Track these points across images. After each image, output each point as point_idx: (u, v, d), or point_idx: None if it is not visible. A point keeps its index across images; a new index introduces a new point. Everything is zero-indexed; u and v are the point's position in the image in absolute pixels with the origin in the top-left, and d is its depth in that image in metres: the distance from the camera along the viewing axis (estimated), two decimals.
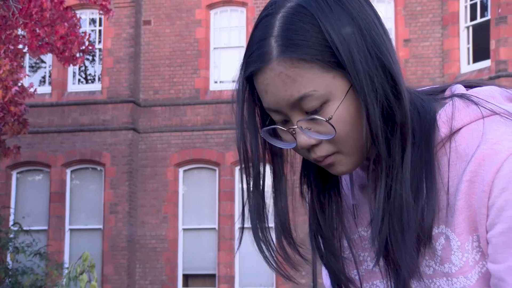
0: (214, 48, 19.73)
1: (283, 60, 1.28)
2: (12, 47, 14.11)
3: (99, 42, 19.75)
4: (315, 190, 1.50)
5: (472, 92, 1.38)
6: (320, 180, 1.49)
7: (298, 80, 1.28)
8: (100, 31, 19.85)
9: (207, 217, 19.15)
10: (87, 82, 20.11)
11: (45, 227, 18.95)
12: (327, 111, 1.30)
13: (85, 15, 19.54)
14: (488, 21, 17.59)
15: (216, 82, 19.67)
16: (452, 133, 1.35)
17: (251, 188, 1.45)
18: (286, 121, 1.35)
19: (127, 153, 18.95)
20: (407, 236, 1.31)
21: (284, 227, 1.46)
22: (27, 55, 17.44)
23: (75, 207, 19.27)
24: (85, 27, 19.37)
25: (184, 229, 19.25)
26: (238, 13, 19.74)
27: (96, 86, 19.73)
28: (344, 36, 1.28)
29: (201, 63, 19.50)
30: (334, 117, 1.29)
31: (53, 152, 19.22)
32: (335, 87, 1.29)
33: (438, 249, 1.35)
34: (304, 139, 1.33)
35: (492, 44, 17.27)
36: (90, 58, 19.85)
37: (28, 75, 16.97)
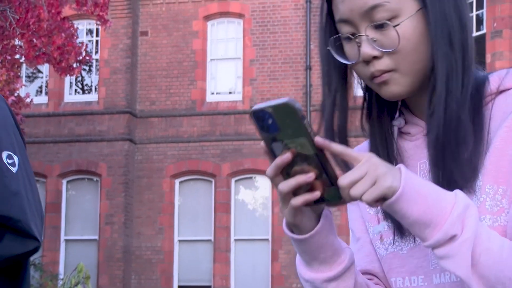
0: (211, 60, 19.75)
1: None
2: (9, 57, 14.11)
3: (96, 52, 19.75)
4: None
5: None
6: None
7: None
8: (97, 41, 19.85)
9: (203, 228, 19.11)
10: (83, 93, 20.10)
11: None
12: (391, 26, 1.40)
13: (82, 26, 19.54)
14: (484, 35, 17.64)
15: (212, 93, 19.68)
16: (500, 91, 1.44)
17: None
18: (354, 36, 1.44)
19: (123, 164, 18.93)
20: (462, 149, 1.39)
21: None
22: (24, 65, 17.44)
23: (71, 218, 19.23)
24: (82, 38, 19.36)
25: (180, 241, 19.20)
26: (235, 25, 19.77)
27: (92, 97, 19.72)
28: None
29: (198, 74, 19.51)
30: (399, 31, 1.39)
31: (49, 162, 19.19)
32: (407, 5, 1.40)
33: None
34: (369, 48, 1.41)
35: (488, 58, 17.31)
36: (87, 68, 19.85)
37: (25, 85, 16.98)
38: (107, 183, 18.90)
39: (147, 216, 19.09)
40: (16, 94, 14.50)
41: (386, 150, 1.52)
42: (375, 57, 1.42)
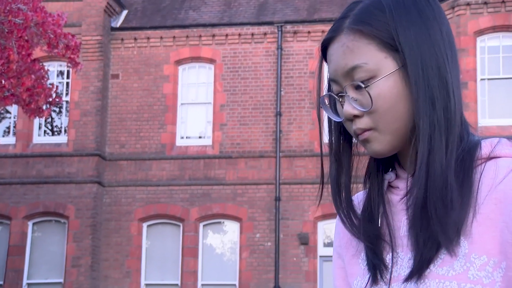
0: (182, 104, 19.79)
1: (348, 32, 1.48)
2: None
3: (67, 94, 19.72)
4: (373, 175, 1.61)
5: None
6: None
7: (355, 52, 1.46)
8: (67, 83, 19.83)
9: (170, 272, 18.97)
10: (53, 134, 20.01)
11: (0, 282, 18.62)
12: (372, 86, 1.44)
13: (53, 67, 19.53)
14: None
15: (182, 137, 19.68)
16: (491, 158, 1.45)
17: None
18: (342, 95, 1.51)
19: (91, 206, 18.80)
20: (447, 211, 1.39)
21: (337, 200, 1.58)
22: None
23: (36, 261, 18.99)
24: (53, 79, 19.35)
25: (147, 284, 19.04)
26: (206, 70, 19.87)
27: (62, 138, 19.63)
28: (406, 28, 1.46)
29: (168, 118, 19.53)
30: (376, 91, 1.44)
31: (15, 204, 19.00)
32: (384, 66, 1.45)
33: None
34: (349, 107, 1.47)
35: None
36: (57, 110, 19.79)
37: None
38: (75, 225, 18.74)
39: (114, 259, 18.92)
40: None
41: (380, 203, 1.56)
42: (356, 116, 1.47)
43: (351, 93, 1.47)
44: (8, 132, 19.88)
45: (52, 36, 14.12)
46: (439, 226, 1.40)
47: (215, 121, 19.40)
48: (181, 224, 19.09)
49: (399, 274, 1.46)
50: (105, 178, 19.33)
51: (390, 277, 1.48)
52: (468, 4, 17.56)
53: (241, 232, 18.84)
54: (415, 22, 1.47)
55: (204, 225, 19.14)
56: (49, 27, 14.07)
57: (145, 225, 19.22)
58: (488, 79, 17.55)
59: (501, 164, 1.43)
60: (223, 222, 19.16)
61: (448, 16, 17.86)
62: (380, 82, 1.44)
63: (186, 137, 19.69)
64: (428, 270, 1.40)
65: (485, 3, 17.50)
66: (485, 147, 1.46)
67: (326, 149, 1.60)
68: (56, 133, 20.03)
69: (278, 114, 19.09)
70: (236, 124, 19.24)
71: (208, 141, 19.50)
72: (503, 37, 17.70)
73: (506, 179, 1.40)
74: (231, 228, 19.10)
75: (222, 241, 19.18)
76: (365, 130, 1.47)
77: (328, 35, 1.52)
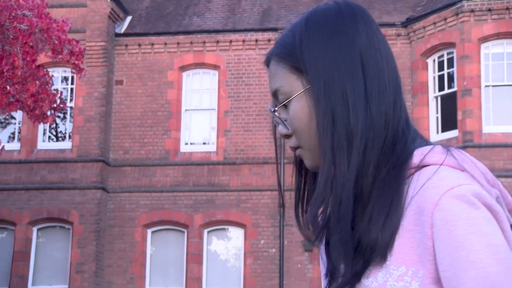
0: (186, 110, 19.80)
1: (272, 57, 1.59)
2: None
3: (71, 100, 19.74)
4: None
5: (458, 150, 1.51)
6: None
7: (275, 76, 1.56)
8: (72, 89, 19.86)
9: (174, 279, 18.95)
10: (57, 140, 20.03)
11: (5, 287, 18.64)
12: (289, 107, 1.54)
13: (57, 73, 19.57)
14: (455, 92, 17.89)
15: (186, 143, 19.68)
16: (422, 166, 1.46)
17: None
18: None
19: (95, 212, 18.80)
20: (343, 227, 1.46)
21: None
22: None
23: (40, 266, 19.00)
24: (57, 85, 19.38)
25: None
26: (210, 76, 19.88)
27: (66, 144, 19.65)
28: (312, 48, 1.52)
29: (172, 124, 19.53)
30: (291, 112, 1.53)
31: (19, 209, 19.01)
32: (295, 87, 1.53)
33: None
34: (280, 128, 1.57)
35: (459, 115, 17.53)
36: (61, 115, 19.81)
37: None
38: (79, 231, 18.74)
39: (118, 265, 18.91)
40: None
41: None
42: (288, 135, 1.56)
43: (282, 113, 1.56)
44: (13, 138, 19.91)
45: (56, 42, 14.14)
46: (345, 242, 1.46)
47: (219, 127, 19.40)
48: (185, 231, 19.08)
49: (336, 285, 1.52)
50: (109, 184, 19.34)
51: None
52: (472, 11, 17.55)
53: (245, 239, 18.82)
54: (322, 42, 1.52)
55: (208, 232, 19.12)
56: (53, 33, 14.10)
57: (149, 231, 19.21)
58: (493, 86, 17.52)
59: (424, 173, 1.45)
60: (227, 229, 19.15)
61: (452, 23, 17.87)
62: (292, 103, 1.52)
63: (190, 143, 19.69)
64: (359, 283, 1.45)
65: (489, 10, 17.49)
66: (416, 156, 1.48)
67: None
68: (60, 139, 20.05)
69: None
70: (240, 130, 19.24)
71: (212, 147, 19.50)
72: (507, 44, 17.68)
73: (422, 189, 1.42)
74: (235, 235, 19.09)
75: (227, 247, 19.17)
76: (295, 148, 1.56)
77: (264, 61, 1.63)
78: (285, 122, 1.55)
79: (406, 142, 1.51)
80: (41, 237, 19.29)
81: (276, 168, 1.75)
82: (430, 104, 18.46)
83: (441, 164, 1.45)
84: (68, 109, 19.61)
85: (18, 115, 19.32)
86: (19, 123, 19.79)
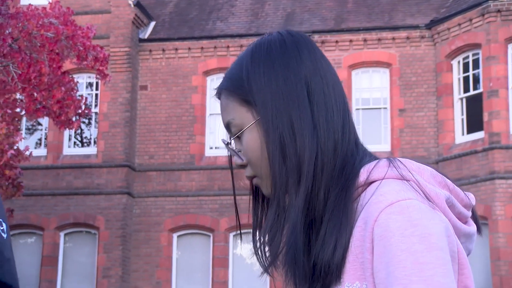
0: (210, 114, 19.85)
1: (222, 91, 1.62)
2: (9, 111, 14.19)
3: (96, 106, 19.86)
4: None
5: (403, 160, 1.54)
6: None
7: (226, 109, 1.60)
8: (96, 94, 19.98)
9: (201, 283, 18.99)
10: (82, 146, 20.16)
11: None
12: (242, 138, 1.58)
13: (82, 79, 19.70)
14: (480, 94, 17.79)
15: (211, 148, 19.72)
16: (368, 183, 1.50)
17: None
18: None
19: (121, 217, 18.88)
20: (297, 252, 1.51)
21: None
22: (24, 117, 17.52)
23: (68, 271, 19.11)
24: (82, 91, 19.50)
25: None
26: None
27: (91, 150, 19.77)
28: (258, 81, 1.56)
29: (197, 129, 19.59)
30: (244, 143, 1.57)
31: (46, 215, 19.15)
32: (246, 119, 1.56)
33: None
34: (235, 158, 1.60)
35: (485, 116, 17.43)
36: (86, 121, 19.93)
37: (24, 138, 17.03)
38: (105, 236, 18.83)
39: (144, 270, 18.98)
40: (15, 147, 14.54)
41: None
42: (243, 165, 1.60)
43: (236, 144, 1.60)
44: (40, 144, 20.06)
45: (81, 48, 14.26)
46: (299, 268, 1.51)
47: None
48: (211, 235, 19.12)
49: None
50: (135, 189, 19.42)
51: None
52: (498, 11, 17.45)
53: None
54: (267, 74, 1.56)
55: (234, 235, 19.15)
56: (78, 40, 14.23)
57: (175, 235, 19.27)
58: None
59: (369, 190, 1.49)
60: None
61: (477, 24, 17.76)
62: (245, 134, 1.56)
63: (215, 148, 19.73)
64: None
65: None
66: (362, 175, 1.51)
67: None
68: (85, 144, 20.18)
69: None
70: None
71: None
72: None
73: (366, 205, 1.46)
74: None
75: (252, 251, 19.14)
76: (251, 177, 1.60)
77: (215, 94, 1.66)
78: (239, 153, 1.59)
79: (354, 163, 1.54)
80: (68, 242, 19.41)
81: (234, 199, 1.80)
82: (455, 106, 18.38)
83: (383, 178, 1.48)
84: (93, 114, 19.73)
85: (45, 121, 19.46)
86: (45, 129, 19.94)
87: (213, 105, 19.89)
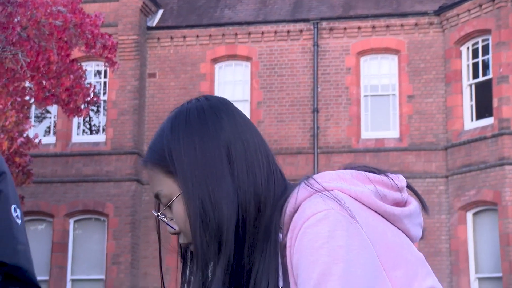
0: None
1: (147, 163, 1.61)
2: (19, 99, 14.24)
3: (104, 93, 19.89)
4: None
5: (320, 174, 1.57)
6: None
7: (153, 179, 1.60)
8: (105, 82, 20.01)
9: None
10: (91, 133, 20.21)
11: (46, 277, 18.85)
12: (172, 208, 1.57)
13: (90, 67, 19.73)
14: (490, 80, 17.74)
15: None
16: (295, 211, 1.51)
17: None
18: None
19: (130, 204, 18.95)
20: None
21: None
22: (33, 105, 17.57)
23: (78, 257, 19.21)
24: (91, 79, 19.53)
25: None
26: (242, 68, 19.92)
27: (100, 137, 19.82)
28: (177, 152, 1.56)
29: None
30: (174, 213, 1.57)
31: (56, 202, 19.24)
32: (174, 190, 1.56)
33: None
34: (168, 227, 1.61)
35: (495, 102, 17.38)
36: (95, 109, 19.97)
37: (34, 126, 17.08)
38: (114, 223, 18.91)
39: (154, 257, 19.05)
40: (25, 135, 14.60)
41: None
42: (177, 232, 1.60)
43: (168, 213, 1.60)
44: (49, 131, 20.13)
45: (89, 36, 14.29)
46: None
47: (252, 119, 19.43)
48: None
49: None
50: (144, 176, 19.46)
51: None
52: None
53: None
54: (186, 145, 1.56)
55: None
56: (87, 28, 14.25)
57: None
58: None
59: (296, 215, 1.52)
60: None
61: (487, 9, 17.67)
62: (174, 204, 1.56)
63: None
64: None
65: None
66: (286, 210, 1.53)
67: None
68: (94, 132, 20.23)
69: (315, 110, 19.09)
70: (273, 121, 19.27)
71: None
72: None
73: (290, 225, 1.51)
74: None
75: None
76: (186, 244, 1.59)
77: (142, 164, 1.64)
78: (170, 222, 1.59)
79: (275, 208, 1.55)
80: (78, 229, 19.50)
81: (160, 264, 1.85)
82: (464, 92, 18.33)
83: (304, 199, 1.51)
84: (102, 102, 19.76)
85: (54, 109, 19.50)
86: (54, 117, 20.00)
87: (221, 93, 19.89)
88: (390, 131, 18.92)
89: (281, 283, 1.53)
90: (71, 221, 19.38)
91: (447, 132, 18.43)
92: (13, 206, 2.34)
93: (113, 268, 18.65)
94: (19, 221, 2.36)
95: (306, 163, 18.94)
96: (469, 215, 17.75)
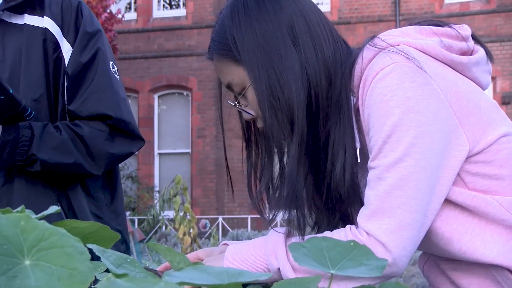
0: None
1: (213, 55, 1.63)
2: None
3: None
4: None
5: (384, 33, 1.59)
6: None
7: (223, 71, 1.63)
8: None
9: None
10: (171, 8, 20.18)
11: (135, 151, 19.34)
12: (246, 95, 1.61)
13: None
14: None
15: None
16: (363, 74, 1.55)
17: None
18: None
19: (213, 78, 19.04)
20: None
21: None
22: None
23: (163, 132, 19.59)
24: None
25: None
26: None
27: (180, 12, 19.78)
28: (240, 38, 1.57)
29: None
30: (249, 100, 1.61)
31: (140, 78, 19.49)
32: (245, 77, 1.59)
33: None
34: (244, 114, 1.67)
35: None
36: None
37: (115, 2, 17.12)
38: (198, 97, 19.09)
39: (238, 129, 19.24)
40: (108, 11, 14.69)
41: None
42: (254, 119, 1.67)
43: (243, 101, 1.65)
44: (130, 8, 20.18)
45: None
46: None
47: None
48: None
49: None
50: None
51: None
52: None
53: None
54: (248, 31, 1.57)
55: None
56: None
57: None
58: None
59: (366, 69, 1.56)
60: None
61: None
62: (248, 91, 1.60)
63: None
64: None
65: None
66: (355, 76, 1.55)
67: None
68: (174, 6, 20.18)
69: None
70: None
71: (326, 7, 19.21)
72: None
73: (359, 93, 1.55)
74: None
75: None
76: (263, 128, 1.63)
77: (207, 56, 1.67)
78: (246, 108, 1.65)
79: (350, 72, 1.57)
80: (162, 104, 19.79)
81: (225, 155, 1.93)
82: None
83: (373, 57, 1.53)
84: None
85: None
86: None
87: None
88: None
89: (358, 145, 1.56)
90: (155, 96, 19.65)
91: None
92: (110, 63, 2.37)
93: (198, 141, 18.97)
94: (117, 76, 2.40)
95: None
96: None
